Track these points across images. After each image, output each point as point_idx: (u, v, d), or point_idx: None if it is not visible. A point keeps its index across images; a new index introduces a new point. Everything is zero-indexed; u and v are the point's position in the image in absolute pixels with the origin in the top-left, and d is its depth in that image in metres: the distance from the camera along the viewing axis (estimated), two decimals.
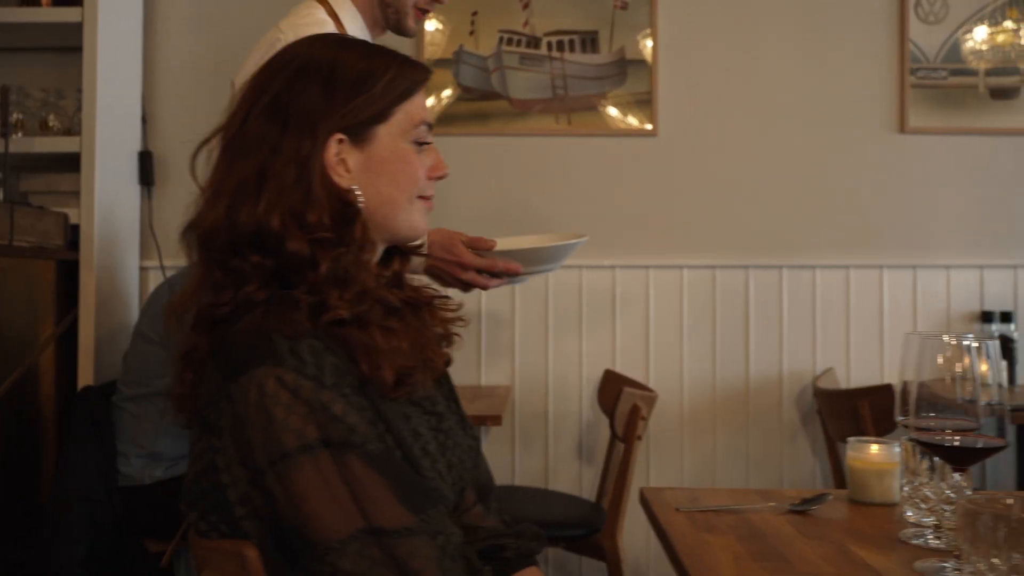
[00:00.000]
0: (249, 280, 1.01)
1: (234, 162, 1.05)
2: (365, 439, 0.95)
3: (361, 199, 1.07)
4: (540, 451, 2.97)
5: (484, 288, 1.71)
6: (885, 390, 2.56)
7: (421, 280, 1.88)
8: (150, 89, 2.96)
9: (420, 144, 1.13)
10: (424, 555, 0.93)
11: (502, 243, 1.83)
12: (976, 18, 3.00)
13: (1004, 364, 2.80)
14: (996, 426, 1.04)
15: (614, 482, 2.42)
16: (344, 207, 1.06)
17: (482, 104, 3.00)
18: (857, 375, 2.95)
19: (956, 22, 2.99)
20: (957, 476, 1.05)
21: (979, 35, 3.01)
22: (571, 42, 2.99)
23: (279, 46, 1.72)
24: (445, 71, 2.99)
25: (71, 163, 2.63)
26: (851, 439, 1.40)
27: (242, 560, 0.92)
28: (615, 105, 2.98)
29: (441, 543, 0.95)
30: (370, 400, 0.99)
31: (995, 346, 1.03)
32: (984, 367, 1.03)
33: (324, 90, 1.06)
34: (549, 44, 2.99)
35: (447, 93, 2.99)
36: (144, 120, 2.92)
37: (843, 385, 2.89)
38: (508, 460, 2.98)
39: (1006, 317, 2.93)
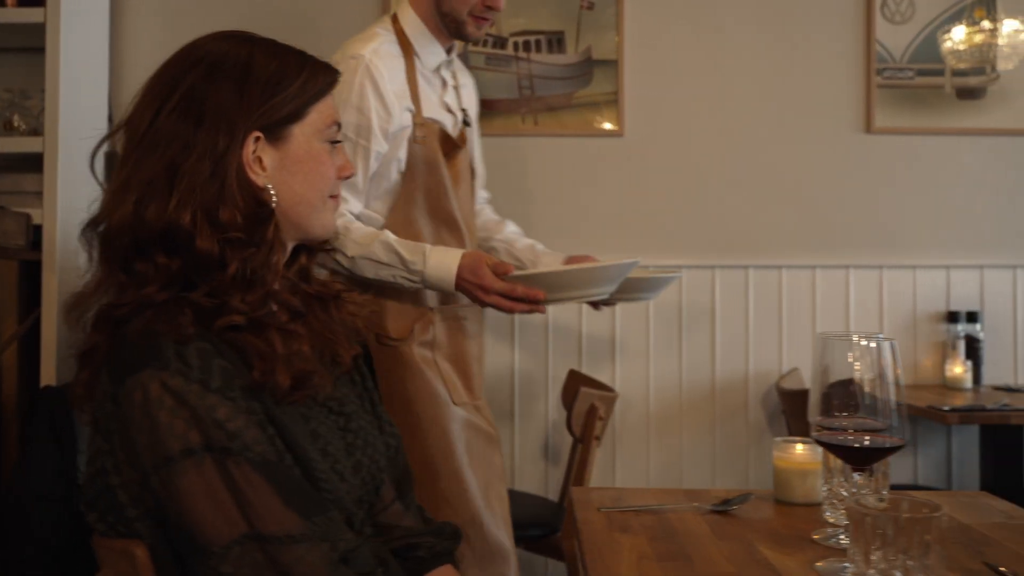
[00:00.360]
0: (152, 281, 1.01)
1: (143, 159, 1.04)
2: (251, 444, 0.95)
3: (275, 198, 1.08)
4: (506, 451, 2.97)
5: (509, 312, 1.71)
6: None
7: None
8: (117, 90, 2.96)
9: (332, 144, 1.14)
10: (310, 562, 0.93)
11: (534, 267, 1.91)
12: (943, 18, 3.00)
13: (970, 364, 2.78)
14: (901, 426, 1.03)
15: (572, 482, 2.42)
16: (258, 207, 1.06)
17: None
18: None
19: (923, 22, 2.99)
20: (857, 476, 1.05)
21: (957, 35, 3.01)
22: (537, 42, 2.99)
23: (361, 70, 1.75)
24: None
25: (37, 164, 2.63)
26: (777, 439, 1.40)
27: (132, 559, 0.93)
28: (581, 105, 2.98)
29: (326, 551, 0.95)
30: (262, 403, 0.99)
31: (894, 346, 1.03)
32: (895, 368, 1.03)
33: (240, 87, 1.06)
34: (515, 44, 2.99)
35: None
36: (111, 121, 2.92)
37: (808, 385, 2.89)
38: None
39: (972, 317, 2.93)
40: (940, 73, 2.99)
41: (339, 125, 1.16)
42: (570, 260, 2.00)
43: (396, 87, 1.77)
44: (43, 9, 2.59)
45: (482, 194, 2.20)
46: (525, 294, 1.65)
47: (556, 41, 2.99)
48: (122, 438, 0.94)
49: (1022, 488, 2.65)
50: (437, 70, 1.87)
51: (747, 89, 2.99)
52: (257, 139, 1.06)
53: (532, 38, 2.99)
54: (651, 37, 2.99)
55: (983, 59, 3.00)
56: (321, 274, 1.26)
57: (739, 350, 2.96)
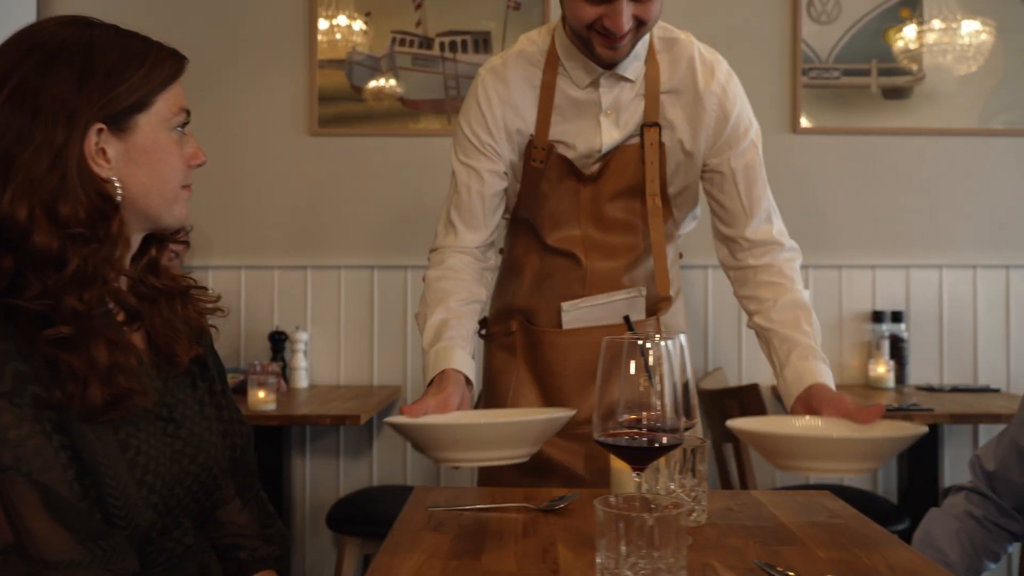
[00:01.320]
0: None
1: None
2: (31, 455, 0.93)
3: (120, 191, 1.05)
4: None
5: None
6: (752, 390, 2.57)
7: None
8: None
9: (180, 132, 1.11)
10: None
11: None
12: (870, 18, 3.00)
13: (892, 364, 2.76)
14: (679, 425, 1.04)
15: (479, 483, 2.42)
16: (102, 200, 1.03)
17: (375, 105, 3.01)
18: (749, 374, 2.96)
19: (849, 22, 3.00)
20: (635, 476, 1.05)
21: (909, 34, 3.01)
22: (464, 42, 3.00)
23: (473, 88, 1.62)
24: (338, 72, 3.00)
25: None
26: None
27: None
28: None
29: None
30: (57, 410, 0.97)
31: (675, 346, 1.03)
32: (673, 367, 1.03)
33: (81, 76, 1.02)
34: (442, 44, 3.00)
35: (381, 83, 3.01)
36: None
37: (733, 384, 2.90)
38: (400, 460, 2.99)
39: (897, 317, 2.93)
40: (866, 73, 2.99)
41: (188, 112, 1.13)
42: (807, 399, 1.41)
43: (514, 104, 1.59)
44: None
45: (759, 237, 1.64)
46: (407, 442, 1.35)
47: (483, 41, 2.99)
48: None
49: (938, 487, 2.65)
50: (592, 87, 1.59)
51: None
52: (100, 131, 1.03)
53: (459, 38, 3.00)
54: None
55: (934, 58, 3.00)
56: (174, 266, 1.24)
57: None
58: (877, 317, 2.93)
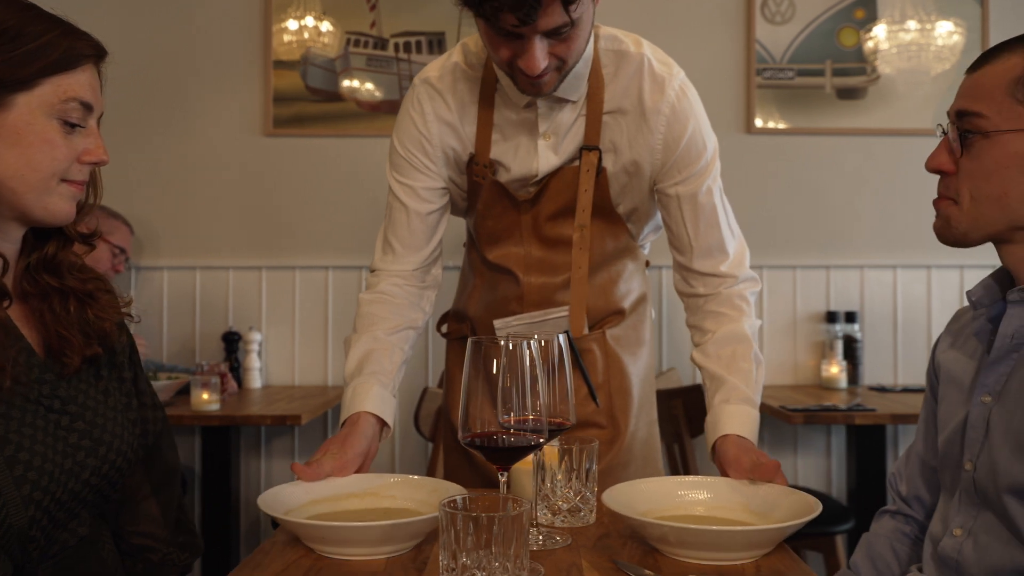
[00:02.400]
0: None
1: None
2: None
3: None
4: (385, 450, 2.98)
5: None
6: (696, 390, 2.57)
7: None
8: None
9: (70, 124, 1.05)
10: None
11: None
12: (824, 18, 3.00)
13: (845, 364, 2.75)
14: (544, 425, 1.04)
15: None
16: None
17: (329, 106, 3.01)
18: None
19: (803, 22, 3.00)
20: (502, 476, 1.06)
21: (880, 33, 3.01)
22: (418, 43, 3.00)
23: (407, 100, 1.55)
24: (293, 73, 3.01)
25: None
26: None
27: None
28: None
29: None
30: None
31: (533, 345, 1.03)
32: (535, 368, 1.03)
33: None
34: (396, 45, 3.00)
35: (336, 83, 3.01)
36: None
37: (686, 384, 2.89)
38: None
39: (851, 317, 2.93)
40: (820, 73, 2.99)
41: (87, 106, 1.06)
42: (719, 454, 1.35)
43: (450, 122, 1.52)
44: None
45: (707, 270, 1.51)
46: None
47: (437, 42, 3.00)
48: None
49: (886, 486, 2.65)
50: (530, 108, 1.49)
51: None
52: None
53: (413, 39, 3.00)
54: None
55: (911, 59, 3.00)
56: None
57: None
58: (831, 317, 2.93)
